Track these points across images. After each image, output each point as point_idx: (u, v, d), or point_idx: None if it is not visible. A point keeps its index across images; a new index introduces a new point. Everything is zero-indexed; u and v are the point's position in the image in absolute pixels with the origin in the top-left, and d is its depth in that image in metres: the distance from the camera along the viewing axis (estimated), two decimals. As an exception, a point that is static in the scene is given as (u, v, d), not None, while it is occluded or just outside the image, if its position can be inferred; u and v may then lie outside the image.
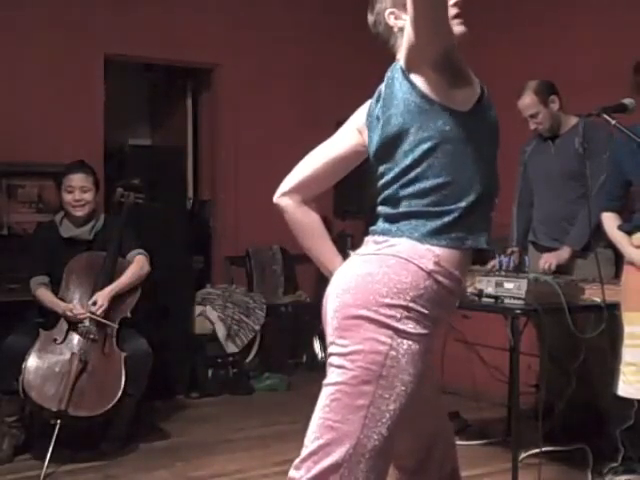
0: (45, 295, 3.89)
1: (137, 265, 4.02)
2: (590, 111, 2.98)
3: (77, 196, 3.99)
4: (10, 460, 3.74)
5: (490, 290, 3.19)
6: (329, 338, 1.86)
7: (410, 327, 1.80)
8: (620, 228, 3.37)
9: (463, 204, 1.87)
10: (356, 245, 2.06)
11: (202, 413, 4.71)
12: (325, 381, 1.84)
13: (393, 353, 1.78)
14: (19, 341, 3.75)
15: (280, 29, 5.85)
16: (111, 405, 3.68)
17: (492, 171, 1.95)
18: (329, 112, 5.47)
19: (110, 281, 3.92)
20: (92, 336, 3.78)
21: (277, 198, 2.18)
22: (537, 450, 3.22)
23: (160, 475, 3.63)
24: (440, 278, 1.84)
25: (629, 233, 3.32)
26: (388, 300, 1.79)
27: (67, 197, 4.01)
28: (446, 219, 1.86)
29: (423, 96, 1.87)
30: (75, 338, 3.78)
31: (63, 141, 4.96)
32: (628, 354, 3.14)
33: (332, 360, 1.83)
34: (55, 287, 3.92)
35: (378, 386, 1.78)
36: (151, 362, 3.91)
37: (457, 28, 1.89)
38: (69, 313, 3.79)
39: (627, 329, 3.16)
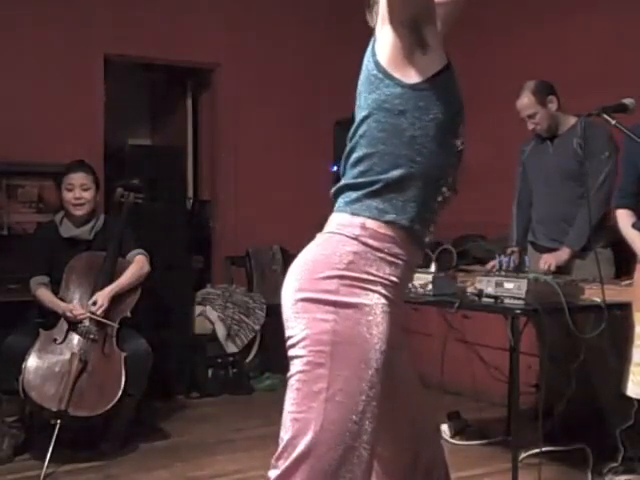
0: (45, 295, 3.89)
1: (137, 265, 4.02)
2: (590, 111, 2.97)
3: (77, 194, 3.99)
4: (10, 460, 3.74)
5: (490, 290, 3.18)
6: (285, 333, 1.83)
7: (349, 297, 1.74)
8: (634, 226, 3.34)
9: (386, 176, 1.80)
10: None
11: (202, 413, 4.71)
12: (287, 375, 1.81)
13: (338, 327, 1.73)
14: (19, 341, 3.75)
15: (280, 29, 5.85)
16: (111, 405, 3.68)
17: (442, 155, 1.84)
18: (329, 112, 5.49)
19: (110, 281, 3.92)
20: (92, 336, 3.78)
21: None
22: (537, 450, 3.22)
23: (160, 475, 3.63)
24: (369, 241, 1.78)
25: None
26: (320, 275, 1.76)
27: (67, 195, 4.01)
28: (367, 189, 1.81)
29: (376, 62, 1.84)
30: (75, 338, 3.78)
31: (63, 141, 4.96)
32: (638, 354, 3.11)
33: (289, 353, 1.80)
34: (55, 287, 3.92)
35: (333, 366, 1.72)
36: (151, 362, 3.91)
37: None
38: (69, 313, 3.79)
39: (638, 329, 3.14)
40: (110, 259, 3.97)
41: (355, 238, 1.78)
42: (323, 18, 5.97)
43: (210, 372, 5.13)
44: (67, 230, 4.03)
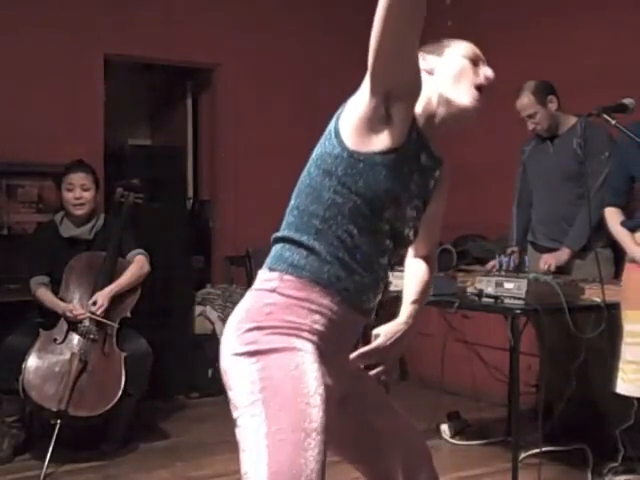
0: (45, 295, 3.89)
1: (137, 265, 4.02)
2: (590, 111, 2.98)
3: (77, 194, 4.00)
4: (10, 460, 3.75)
5: (490, 290, 3.19)
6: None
7: (271, 344, 1.71)
8: (623, 225, 3.34)
9: (300, 239, 1.77)
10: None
11: (202, 413, 4.71)
12: (236, 438, 1.74)
13: (264, 374, 1.69)
14: (19, 341, 3.75)
15: (280, 29, 5.85)
16: (111, 405, 3.68)
17: (360, 231, 1.76)
18: (329, 112, 5.48)
19: (110, 281, 3.92)
20: (92, 336, 3.79)
21: None
22: (537, 450, 3.23)
23: (160, 475, 3.64)
24: (288, 291, 1.74)
25: (632, 230, 3.30)
26: (241, 331, 1.74)
27: (67, 195, 4.01)
28: (287, 245, 1.80)
29: (337, 117, 1.82)
30: (75, 338, 3.78)
31: (63, 141, 4.95)
32: (628, 352, 3.13)
33: (233, 416, 1.74)
34: (55, 287, 3.92)
35: (268, 412, 1.66)
36: (151, 362, 3.91)
37: (471, 101, 1.82)
38: (69, 313, 3.79)
39: (627, 327, 3.15)
40: (110, 259, 3.97)
41: (273, 290, 1.75)
42: (324, 18, 5.96)
43: (210, 372, 5.13)
44: (67, 230, 4.03)
